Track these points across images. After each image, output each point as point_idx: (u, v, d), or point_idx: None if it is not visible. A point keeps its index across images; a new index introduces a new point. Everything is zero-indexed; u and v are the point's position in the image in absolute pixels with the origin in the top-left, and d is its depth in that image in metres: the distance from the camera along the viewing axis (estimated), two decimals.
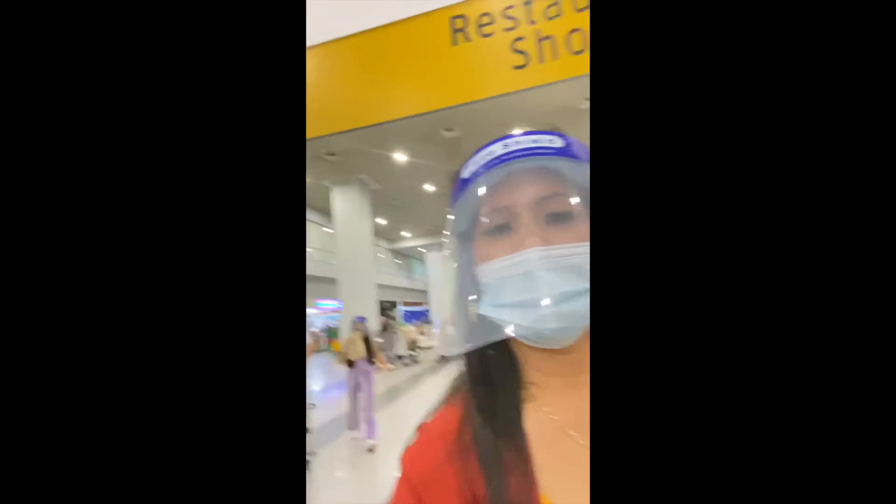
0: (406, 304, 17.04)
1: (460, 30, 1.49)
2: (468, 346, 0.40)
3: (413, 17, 1.55)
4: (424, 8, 1.53)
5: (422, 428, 0.41)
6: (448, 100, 1.51)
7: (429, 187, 8.85)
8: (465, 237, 0.42)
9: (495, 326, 0.38)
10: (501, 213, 0.38)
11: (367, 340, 4.16)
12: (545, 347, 0.37)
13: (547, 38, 1.39)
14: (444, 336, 0.43)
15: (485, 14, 1.47)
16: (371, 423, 4.02)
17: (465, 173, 0.40)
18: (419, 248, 16.46)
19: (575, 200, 0.37)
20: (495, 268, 0.37)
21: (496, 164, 0.37)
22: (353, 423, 4.17)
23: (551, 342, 0.37)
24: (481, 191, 0.39)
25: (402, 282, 18.40)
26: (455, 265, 0.42)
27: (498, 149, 0.38)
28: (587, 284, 0.35)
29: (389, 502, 0.37)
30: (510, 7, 1.44)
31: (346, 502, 3.09)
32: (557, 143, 0.38)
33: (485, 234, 0.39)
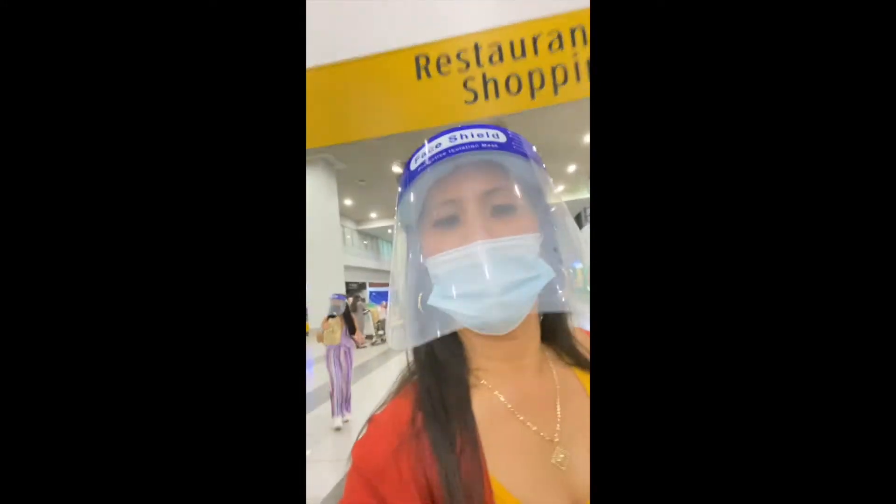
0: (373, 284, 17.17)
1: (424, 67, 1.82)
2: (420, 341, 0.41)
3: (384, 52, 1.86)
4: (394, 46, 1.85)
5: (372, 420, 0.41)
6: (412, 125, 1.85)
7: (397, 168, 8.96)
8: (413, 229, 0.43)
9: (444, 318, 0.39)
10: (448, 205, 0.39)
11: (347, 316, 4.16)
12: (490, 334, 0.39)
13: (492, 79, 1.75)
14: (394, 331, 0.43)
15: (443, 55, 1.80)
16: (347, 400, 4.12)
17: (413, 165, 0.40)
18: (388, 230, 16.50)
19: (517, 194, 0.39)
20: (444, 260, 0.38)
21: (443, 156, 0.38)
22: (337, 409, 4.03)
23: (496, 329, 0.38)
24: (428, 183, 0.40)
25: (370, 263, 18.47)
26: (403, 257, 0.43)
27: (445, 141, 0.38)
28: (529, 274, 0.37)
29: (343, 498, 0.37)
30: (463, 51, 1.78)
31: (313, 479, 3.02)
32: (501, 138, 0.39)
33: (433, 226, 0.40)
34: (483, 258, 0.36)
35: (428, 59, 1.81)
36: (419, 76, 1.82)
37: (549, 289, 0.38)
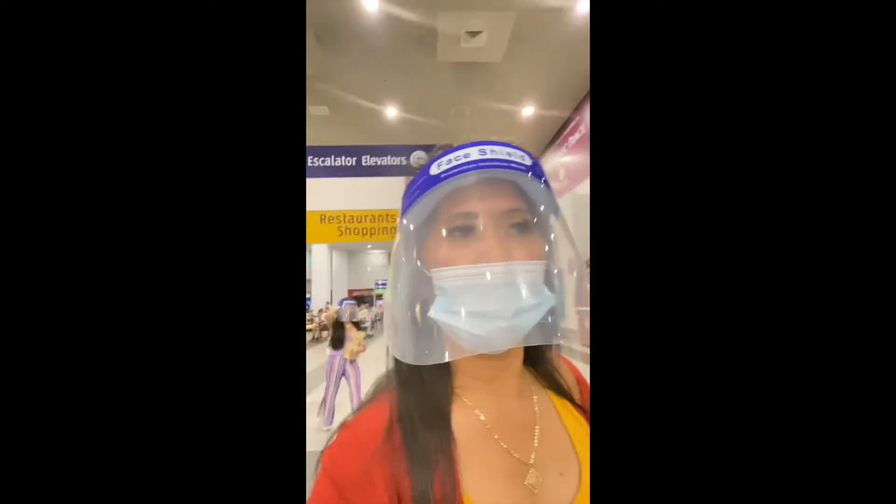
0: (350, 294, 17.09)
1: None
2: (423, 361, 0.39)
3: None
4: None
5: (345, 426, 0.40)
6: None
7: (420, 157, 8.67)
8: (421, 236, 0.41)
9: (443, 335, 0.39)
10: (466, 217, 0.38)
11: (357, 324, 3.93)
12: (482, 352, 0.38)
13: None
14: (397, 340, 0.41)
15: None
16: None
17: (435, 170, 0.39)
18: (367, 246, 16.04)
19: (534, 217, 0.39)
20: (455, 274, 0.37)
21: (471, 168, 0.37)
22: (329, 415, 3.77)
23: (491, 349, 0.38)
24: (447, 191, 0.39)
25: None
26: (405, 263, 0.41)
27: (474, 153, 0.38)
28: (537, 300, 0.36)
29: (309, 499, 0.36)
30: None
31: None
32: (527, 160, 0.39)
33: (445, 235, 0.39)
34: (501, 279, 0.36)
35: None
36: None
37: (550, 314, 0.38)
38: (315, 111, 6.19)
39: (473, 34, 4.73)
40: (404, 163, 3.05)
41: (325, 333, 12.32)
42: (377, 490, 0.35)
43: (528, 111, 6.57)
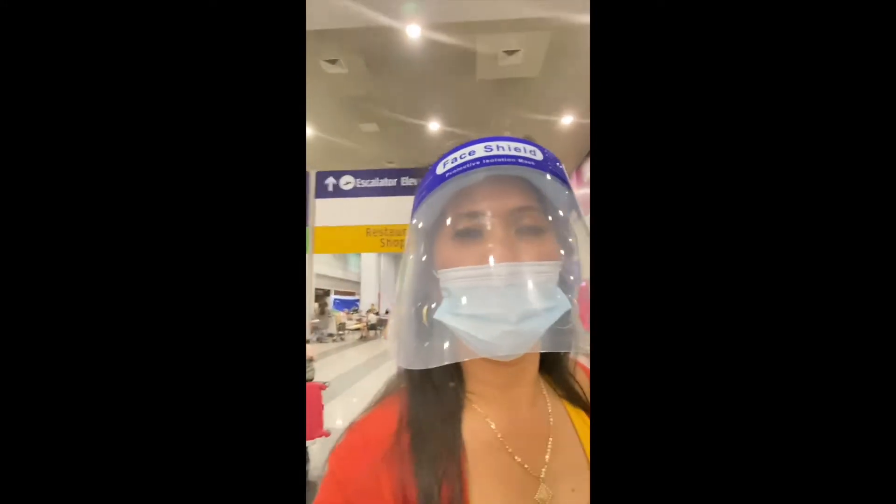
0: (338, 293, 17.92)
1: None
2: (430, 364, 0.37)
3: None
4: None
5: (353, 428, 0.39)
6: None
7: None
8: (428, 236, 0.40)
9: (450, 337, 0.37)
10: (473, 217, 0.37)
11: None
12: (492, 358, 0.37)
13: None
14: (401, 345, 0.39)
15: None
16: None
17: (441, 169, 0.38)
18: None
19: (546, 216, 0.37)
20: (461, 275, 0.36)
21: (476, 166, 0.36)
22: None
23: (502, 356, 0.36)
24: (454, 191, 0.38)
25: (338, 273, 18.96)
26: (414, 264, 0.40)
27: (479, 150, 0.36)
28: (547, 304, 0.35)
29: (314, 502, 0.36)
30: None
31: None
32: (538, 155, 0.37)
33: (453, 236, 0.38)
34: (506, 281, 0.34)
35: None
36: None
37: (562, 321, 0.36)
38: (365, 128, 6.72)
39: (511, 52, 4.97)
40: None
41: (372, 333, 13.23)
42: (384, 495, 0.34)
43: (567, 120, 6.67)
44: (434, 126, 6.85)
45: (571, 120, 6.67)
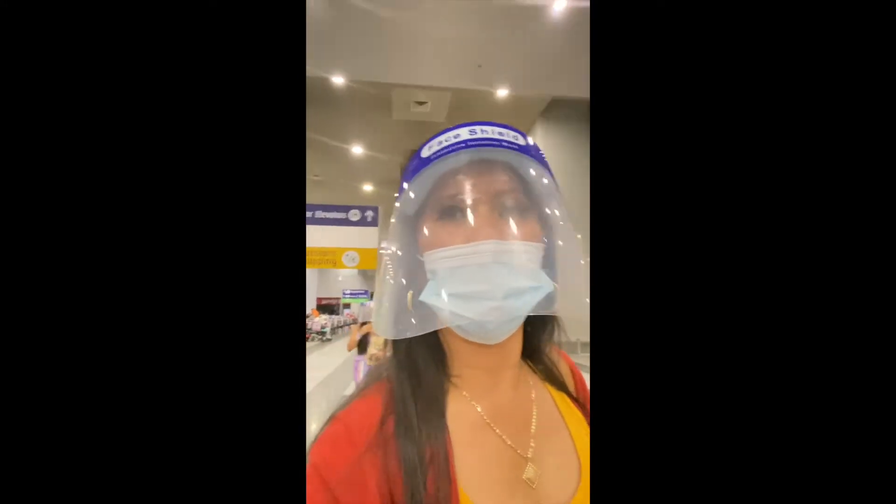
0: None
1: None
2: (407, 333, 0.37)
3: None
4: None
5: (336, 419, 0.38)
6: None
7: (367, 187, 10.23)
8: (413, 219, 0.40)
9: (433, 315, 0.37)
10: (458, 199, 0.37)
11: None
12: (478, 342, 0.37)
13: None
14: (381, 315, 0.39)
15: None
16: None
17: (426, 152, 0.38)
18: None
19: (528, 199, 0.38)
20: (446, 255, 0.36)
21: (461, 148, 0.36)
22: None
23: (488, 337, 0.37)
24: (438, 174, 0.38)
25: None
26: (398, 246, 0.40)
27: (464, 133, 0.37)
28: (532, 283, 0.35)
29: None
30: None
31: None
32: (521, 140, 0.38)
33: (437, 218, 0.38)
34: (491, 258, 0.35)
35: None
36: None
37: (547, 299, 0.37)
38: None
39: (420, 103, 6.10)
40: None
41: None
42: (370, 491, 0.34)
43: None
44: (357, 149, 7.83)
45: None
